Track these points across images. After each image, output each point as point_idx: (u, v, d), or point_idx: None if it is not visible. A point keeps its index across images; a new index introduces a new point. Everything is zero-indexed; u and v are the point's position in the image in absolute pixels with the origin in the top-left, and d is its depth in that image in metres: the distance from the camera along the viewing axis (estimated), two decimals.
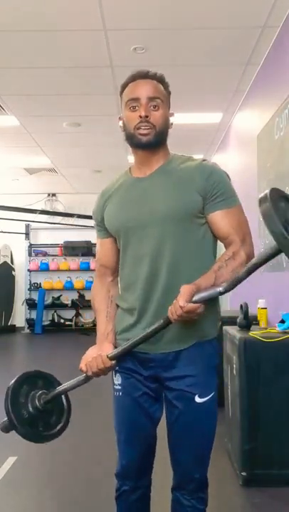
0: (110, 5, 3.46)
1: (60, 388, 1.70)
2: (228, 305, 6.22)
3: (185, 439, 1.63)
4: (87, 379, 1.67)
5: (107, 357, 1.61)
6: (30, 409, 1.66)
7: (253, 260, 1.45)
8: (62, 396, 1.73)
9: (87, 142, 6.75)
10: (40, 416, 1.67)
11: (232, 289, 1.48)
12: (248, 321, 3.26)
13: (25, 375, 1.75)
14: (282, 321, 3.08)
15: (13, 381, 1.71)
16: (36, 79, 4.74)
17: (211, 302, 1.57)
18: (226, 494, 2.76)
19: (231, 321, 3.51)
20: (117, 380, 1.69)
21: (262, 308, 3.50)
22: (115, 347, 1.66)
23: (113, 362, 1.62)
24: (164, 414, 1.71)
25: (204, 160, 1.67)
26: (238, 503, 2.69)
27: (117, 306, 1.74)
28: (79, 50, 4.16)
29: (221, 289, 1.48)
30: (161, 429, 1.70)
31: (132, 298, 1.65)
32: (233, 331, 3.20)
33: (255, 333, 3.00)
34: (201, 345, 1.61)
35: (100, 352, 1.63)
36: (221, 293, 1.48)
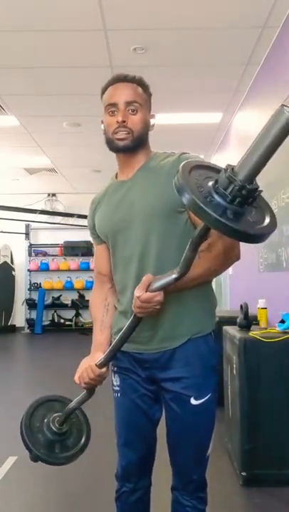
0: (110, 5, 3.46)
1: (69, 407, 1.71)
2: (228, 305, 6.22)
3: (182, 441, 1.63)
4: (90, 393, 1.69)
5: (96, 365, 1.63)
6: (48, 434, 1.68)
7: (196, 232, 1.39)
8: (78, 413, 1.74)
9: (87, 142, 6.74)
10: (60, 439, 1.69)
11: (185, 271, 1.43)
12: (248, 321, 3.26)
13: (35, 403, 1.75)
14: (282, 321, 3.08)
15: (24, 413, 1.73)
16: (36, 79, 4.74)
17: (201, 292, 1.59)
18: (226, 494, 2.76)
19: (231, 321, 3.51)
20: (116, 380, 1.70)
21: (262, 308, 3.50)
22: None
23: (103, 369, 1.63)
24: (163, 414, 1.70)
25: (184, 153, 1.64)
26: (238, 503, 2.69)
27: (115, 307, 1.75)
28: (79, 50, 4.16)
29: (175, 275, 1.44)
30: (162, 429, 1.70)
31: (125, 300, 1.65)
32: (233, 331, 3.20)
33: (255, 333, 3.00)
34: (195, 344, 1.59)
35: (91, 362, 1.65)
36: (177, 278, 1.44)
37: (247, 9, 3.53)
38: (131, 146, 1.61)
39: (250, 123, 4.95)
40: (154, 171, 1.62)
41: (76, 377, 1.67)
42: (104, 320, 1.73)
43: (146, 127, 1.65)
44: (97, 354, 1.67)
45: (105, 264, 1.76)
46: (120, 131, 1.59)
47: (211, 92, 5.07)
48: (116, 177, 1.74)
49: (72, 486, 2.89)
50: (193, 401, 1.59)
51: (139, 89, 1.64)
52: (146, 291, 1.45)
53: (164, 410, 1.68)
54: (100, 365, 1.63)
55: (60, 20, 3.68)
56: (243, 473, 2.82)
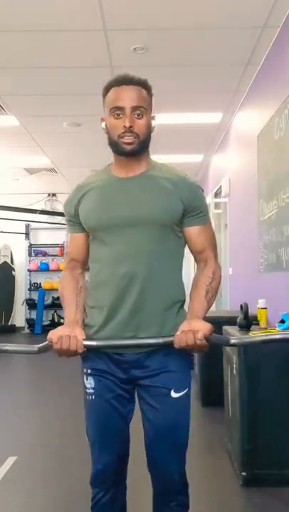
0: (110, 5, 3.46)
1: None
2: (228, 305, 6.22)
3: (164, 436, 1.63)
4: (42, 351, 1.61)
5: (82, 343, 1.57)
6: None
7: None
8: None
9: (87, 142, 6.74)
10: None
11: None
12: (248, 321, 3.26)
13: None
14: (282, 321, 3.08)
15: None
16: (36, 79, 4.74)
17: (180, 297, 1.68)
18: (226, 494, 2.76)
19: (231, 321, 3.52)
20: (90, 383, 1.66)
21: (262, 308, 3.50)
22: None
23: (84, 350, 1.58)
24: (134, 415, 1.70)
25: (187, 176, 1.73)
26: (238, 503, 2.69)
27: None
28: (79, 50, 4.16)
29: (233, 341, 1.66)
30: (135, 441, 1.69)
31: (104, 295, 1.64)
32: (233, 331, 3.20)
33: (255, 333, 3.00)
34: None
35: (73, 334, 1.58)
36: (230, 345, 1.62)
37: (247, 9, 3.53)
38: (137, 150, 1.63)
39: (250, 123, 4.94)
40: (159, 181, 1.66)
41: (54, 337, 1.56)
42: (78, 300, 1.69)
43: (150, 131, 1.67)
44: (77, 329, 1.60)
45: (83, 252, 1.76)
46: (127, 135, 1.61)
47: (211, 92, 5.07)
48: (110, 171, 1.72)
49: (72, 486, 2.89)
50: (173, 394, 1.61)
51: (144, 92, 1.65)
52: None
53: (141, 413, 1.67)
54: (85, 346, 1.58)
55: (60, 20, 3.67)
56: (243, 473, 2.82)
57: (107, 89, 1.66)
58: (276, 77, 3.88)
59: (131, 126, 1.60)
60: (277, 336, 1.68)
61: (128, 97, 1.61)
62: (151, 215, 1.62)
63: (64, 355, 1.59)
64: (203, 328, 1.52)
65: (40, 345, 1.61)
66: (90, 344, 1.59)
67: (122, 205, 1.64)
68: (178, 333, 1.54)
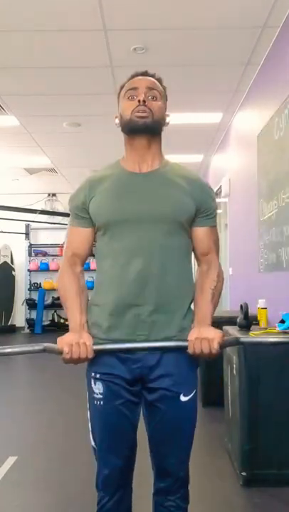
0: (110, 5, 3.46)
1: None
2: (228, 305, 6.22)
3: (171, 438, 1.63)
4: (47, 351, 1.59)
5: (93, 349, 1.56)
6: None
7: None
8: None
9: (87, 142, 6.75)
10: None
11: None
12: (248, 321, 3.26)
13: None
14: (282, 321, 3.08)
15: None
16: (36, 79, 4.74)
17: (189, 301, 1.67)
18: (225, 494, 2.76)
19: (231, 321, 3.52)
20: (98, 388, 1.62)
21: (262, 308, 3.50)
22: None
23: (94, 355, 1.57)
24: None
25: (199, 176, 1.75)
26: (238, 503, 2.69)
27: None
28: (79, 50, 4.16)
29: (243, 339, 1.70)
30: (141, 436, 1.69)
31: (115, 292, 1.60)
32: (233, 331, 3.20)
33: (255, 333, 3.00)
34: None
35: (81, 341, 1.56)
36: (240, 343, 1.66)
37: (247, 9, 3.53)
38: (150, 125, 1.61)
39: (250, 123, 4.94)
40: (174, 179, 1.66)
41: (66, 347, 1.54)
42: (81, 302, 1.65)
43: (164, 117, 1.67)
44: (85, 334, 1.59)
45: (87, 248, 1.71)
46: (141, 109, 1.60)
47: (211, 92, 5.07)
48: (122, 166, 1.69)
49: (72, 486, 2.89)
50: (182, 397, 1.61)
51: (159, 85, 1.68)
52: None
53: (146, 413, 1.67)
54: (96, 351, 1.57)
55: (60, 20, 3.68)
56: (243, 473, 2.82)
57: (122, 86, 1.69)
58: (276, 77, 3.88)
59: (144, 101, 1.60)
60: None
61: (143, 80, 1.65)
62: (165, 211, 1.60)
63: (73, 362, 1.57)
64: (217, 336, 1.55)
65: (47, 345, 1.58)
66: (100, 348, 1.57)
67: (137, 199, 1.61)
68: (191, 338, 1.55)
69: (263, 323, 3.44)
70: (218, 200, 7.26)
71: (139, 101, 1.60)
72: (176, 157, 7.33)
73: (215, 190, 7.23)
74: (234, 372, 3.01)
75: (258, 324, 3.44)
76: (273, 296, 3.73)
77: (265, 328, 3.25)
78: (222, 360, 3.48)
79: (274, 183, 3.75)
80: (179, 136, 6.19)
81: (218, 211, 7.29)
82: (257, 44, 4.03)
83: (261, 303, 3.54)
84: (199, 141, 6.73)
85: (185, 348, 1.56)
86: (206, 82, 4.84)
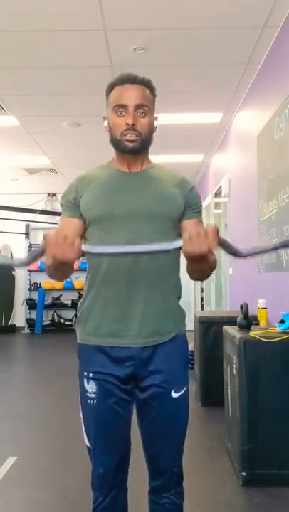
0: (110, 5, 3.46)
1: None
2: (228, 305, 6.22)
3: (164, 435, 1.65)
4: (33, 259, 1.53)
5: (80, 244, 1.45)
6: None
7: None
8: None
9: (87, 142, 6.75)
10: None
11: (246, 255, 1.59)
12: (248, 321, 3.26)
13: None
14: (282, 321, 3.08)
15: None
16: (36, 79, 4.74)
17: (177, 300, 1.70)
18: (225, 494, 2.76)
19: (231, 321, 3.51)
20: (91, 387, 1.64)
21: (262, 308, 3.50)
22: None
23: (80, 250, 1.44)
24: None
25: (186, 178, 1.78)
26: (238, 503, 2.69)
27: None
28: (79, 50, 4.16)
29: (244, 252, 1.58)
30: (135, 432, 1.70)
31: (108, 287, 1.62)
32: (233, 331, 3.20)
33: (255, 333, 3.00)
34: (177, 340, 1.67)
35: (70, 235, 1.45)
36: (242, 255, 1.57)
37: (247, 9, 3.53)
38: (139, 148, 1.65)
39: (250, 123, 4.94)
40: (162, 178, 1.71)
41: (52, 238, 1.42)
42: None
43: (152, 130, 1.69)
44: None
45: (77, 235, 1.65)
46: (129, 133, 1.62)
47: (211, 92, 5.07)
48: (112, 165, 1.74)
49: (72, 486, 2.89)
50: (173, 394, 1.63)
51: (147, 92, 1.66)
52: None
53: (138, 411, 1.68)
54: (83, 252, 1.49)
55: (60, 20, 3.68)
56: (243, 473, 2.82)
57: (110, 88, 1.67)
58: (276, 77, 3.88)
59: (134, 124, 1.61)
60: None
61: (131, 95, 1.62)
62: (156, 207, 1.63)
63: (57, 260, 1.44)
64: (211, 227, 1.44)
65: (31, 252, 1.50)
66: (89, 250, 1.52)
67: (128, 196, 1.65)
68: (186, 237, 1.43)
69: (263, 323, 3.44)
70: (218, 200, 7.27)
71: (127, 124, 1.61)
72: (176, 157, 7.36)
73: (215, 190, 7.23)
74: (234, 372, 3.01)
75: (258, 324, 3.44)
76: (273, 296, 3.73)
77: (265, 328, 3.25)
78: (222, 360, 3.48)
79: (274, 183, 3.75)
80: (179, 136, 6.20)
81: (218, 211, 7.30)
82: (257, 44, 4.03)
83: (261, 303, 3.54)
84: (199, 141, 6.73)
85: (180, 248, 1.47)
86: (206, 82, 4.84)
